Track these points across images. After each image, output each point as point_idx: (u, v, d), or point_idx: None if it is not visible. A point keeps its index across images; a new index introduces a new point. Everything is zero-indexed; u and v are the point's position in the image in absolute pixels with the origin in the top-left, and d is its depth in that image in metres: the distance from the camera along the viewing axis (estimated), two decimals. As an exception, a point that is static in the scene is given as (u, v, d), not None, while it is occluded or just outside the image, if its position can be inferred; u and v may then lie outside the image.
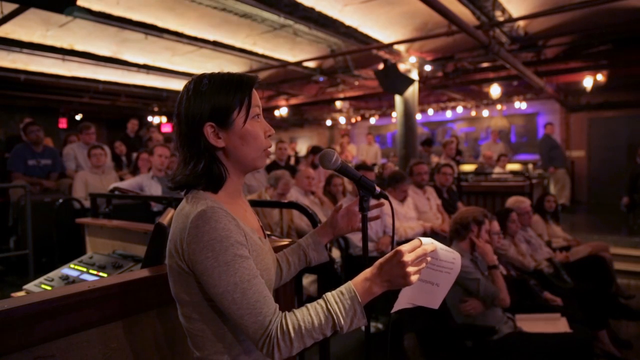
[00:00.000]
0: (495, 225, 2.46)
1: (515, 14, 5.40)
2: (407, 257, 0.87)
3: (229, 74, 1.00)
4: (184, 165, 0.98)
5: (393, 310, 0.99)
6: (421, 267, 0.90)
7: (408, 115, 7.22)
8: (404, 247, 0.89)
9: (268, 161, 5.45)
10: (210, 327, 0.96)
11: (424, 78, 7.95)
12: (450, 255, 0.97)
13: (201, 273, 0.88)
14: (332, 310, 0.87)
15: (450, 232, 2.59)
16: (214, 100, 0.96)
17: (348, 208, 1.28)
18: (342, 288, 0.90)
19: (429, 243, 0.92)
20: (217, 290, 0.87)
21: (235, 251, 0.88)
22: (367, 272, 0.92)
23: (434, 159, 8.56)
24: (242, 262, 0.88)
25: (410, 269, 0.88)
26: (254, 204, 2.55)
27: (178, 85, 9.12)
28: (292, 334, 0.86)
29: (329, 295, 0.90)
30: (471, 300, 2.34)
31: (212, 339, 0.96)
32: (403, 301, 1.00)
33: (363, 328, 1.07)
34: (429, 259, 0.93)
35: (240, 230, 0.92)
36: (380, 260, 0.90)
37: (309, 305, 0.90)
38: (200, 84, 0.97)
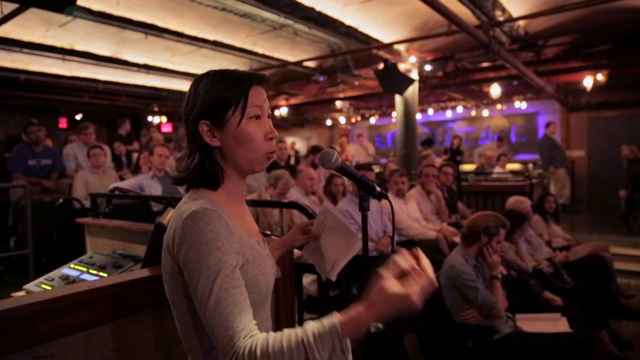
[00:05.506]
0: (502, 234, 2.44)
1: (515, 13, 5.40)
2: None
3: (231, 72, 0.97)
4: (185, 161, 0.99)
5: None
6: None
7: (408, 115, 7.22)
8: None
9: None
10: (201, 332, 0.91)
11: (424, 78, 7.94)
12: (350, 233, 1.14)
13: (187, 275, 0.86)
14: (305, 342, 0.77)
15: (461, 235, 2.57)
16: (209, 97, 0.94)
17: (303, 225, 1.27)
18: (325, 319, 0.80)
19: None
20: (195, 294, 0.83)
21: (220, 256, 0.83)
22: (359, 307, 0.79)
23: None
24: (224, 269, 0.83)
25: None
26: (254, 203, 2.55)
27: (178, 85, 9.12)
28: (259, 358, 0.77)
29: (308, 325, 0.80)
30: (470, 310, 2.34)
31: (202, 344, 0.92)
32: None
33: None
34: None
35: (232, 234, 0.88)
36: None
37: (286, 330, 0.81)
38: (202, 81, 0.96)
